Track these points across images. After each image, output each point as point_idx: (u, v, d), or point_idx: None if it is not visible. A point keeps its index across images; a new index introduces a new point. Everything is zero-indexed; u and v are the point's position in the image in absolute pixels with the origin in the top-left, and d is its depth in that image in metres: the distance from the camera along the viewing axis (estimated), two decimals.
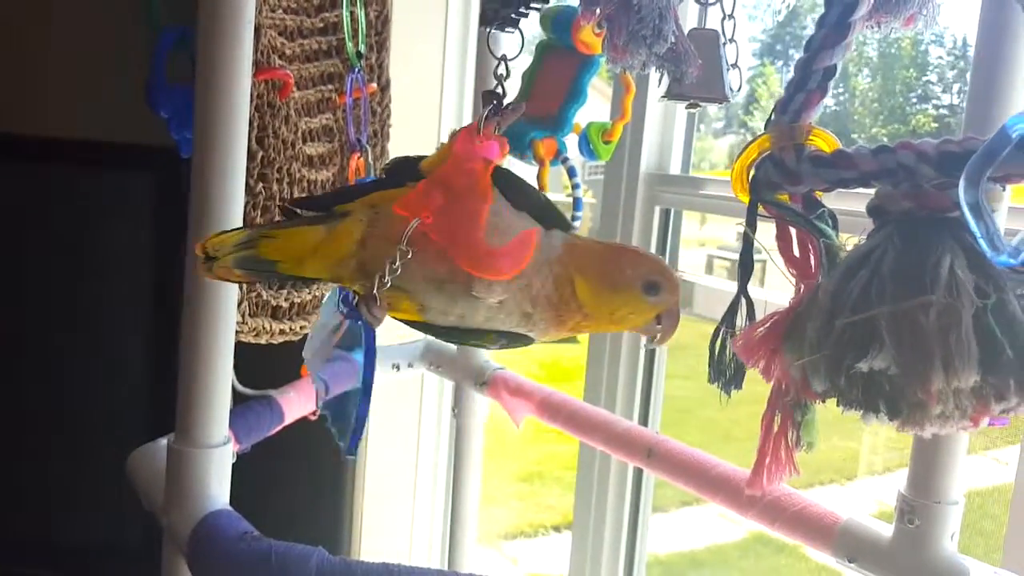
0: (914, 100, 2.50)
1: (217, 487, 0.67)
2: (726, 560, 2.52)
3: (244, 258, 0.59)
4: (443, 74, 1.46)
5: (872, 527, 0.66)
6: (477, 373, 1.02)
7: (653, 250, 1.18)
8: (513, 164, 0.78)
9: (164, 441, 0.77)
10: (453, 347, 1.05)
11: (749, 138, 0.51)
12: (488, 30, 0.54)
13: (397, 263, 0.53)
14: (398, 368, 1.08)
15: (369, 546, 1.51)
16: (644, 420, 1.23)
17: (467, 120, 1.49)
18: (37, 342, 1.44)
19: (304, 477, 1.43)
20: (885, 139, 0.50)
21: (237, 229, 0.63)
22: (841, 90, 2.31)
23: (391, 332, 0.71)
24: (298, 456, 1.33)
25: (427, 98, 1.45)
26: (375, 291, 0.54)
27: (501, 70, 0.66)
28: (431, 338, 0.89)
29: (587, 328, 0.60)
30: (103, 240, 1.40)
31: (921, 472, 0.62)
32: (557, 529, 2.76)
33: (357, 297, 0.56)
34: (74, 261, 1.40)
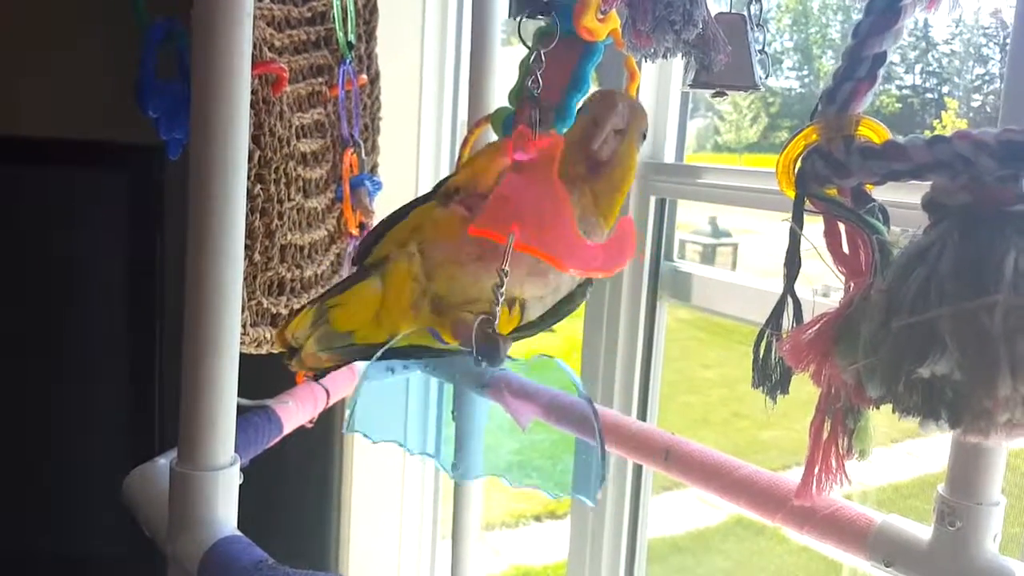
0: None
1: (225, 511, 0.63)
2: (708, 543, 2.53)
3: (322, 336, 0.59)
4: (422, 64, 1.41)
5: (909, 529, 0.64)
6: (477, 374, 0.98)
7: (649, 243, 1.16)
8: None
9: (164, 461, 0.72)
10: None
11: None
12: (519, 19, 0.51)
13: (503, 287, 0.50)
14: (392, 372, 1.04)
15: (357, 558, 1.47)
16: (643, 414, 1.21)
17: (447, 116, 1.45)
18: (9, 344, 1.38)
19: (292, 486, 1.39)
20: None
21: (302, 310, 0.60)
22: (806, 72, 2.33)
23: None
24: (285, 462, 1.29)
25: (407, 90, 1.40)
26: (494, 327, 0.52)
27: (534, 67, 0.61)
28: None
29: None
30: (75, 240, 1.35)
31: (961, 473, 0.61)
32: (539, 519, 2.73)
33: (480, 340, 0.53)
34: (45, 262, 1.35)
